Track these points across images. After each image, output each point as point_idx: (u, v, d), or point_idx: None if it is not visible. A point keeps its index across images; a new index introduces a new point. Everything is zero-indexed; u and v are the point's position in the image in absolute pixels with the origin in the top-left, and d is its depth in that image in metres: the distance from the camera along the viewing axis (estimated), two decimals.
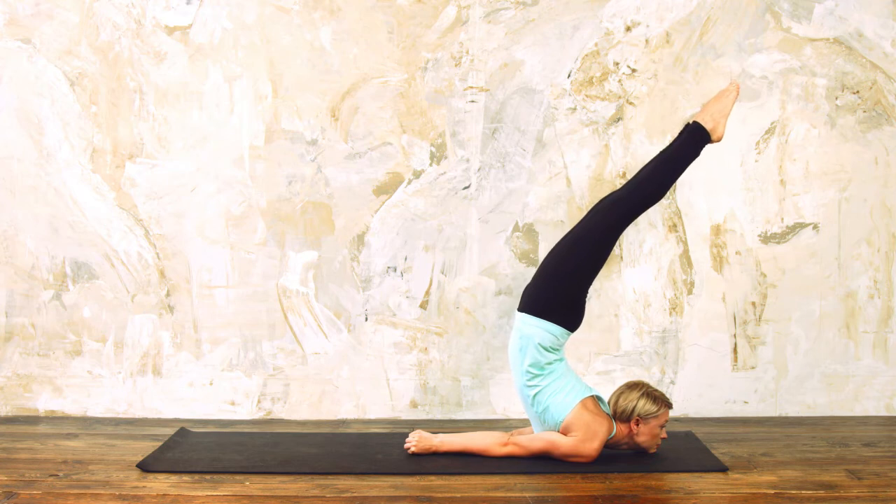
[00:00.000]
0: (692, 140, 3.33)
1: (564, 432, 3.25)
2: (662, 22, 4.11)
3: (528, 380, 3.29)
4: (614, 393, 3.35)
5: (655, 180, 3.32)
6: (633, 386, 3.33)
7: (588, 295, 3.43)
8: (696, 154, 3.35)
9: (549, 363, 3.29)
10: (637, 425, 3.28)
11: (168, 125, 4.09)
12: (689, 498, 2.90)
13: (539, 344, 3.27)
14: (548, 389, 3.27)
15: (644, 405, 3.27)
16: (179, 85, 4.09)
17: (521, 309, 3.37)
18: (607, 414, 3.31)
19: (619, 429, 3.31)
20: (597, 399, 3.33)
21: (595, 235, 3.31)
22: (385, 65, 4.10)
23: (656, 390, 3.32)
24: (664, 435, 3.34)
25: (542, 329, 3.28)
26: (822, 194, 4.14)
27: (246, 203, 4.11)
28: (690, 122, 3.37)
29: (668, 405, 3.31)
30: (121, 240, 4.09)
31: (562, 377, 3.30)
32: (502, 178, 4.12)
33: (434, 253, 4.12)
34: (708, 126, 3.34)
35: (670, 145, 3.39)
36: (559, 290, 3.31)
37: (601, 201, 3.38)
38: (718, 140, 3.37)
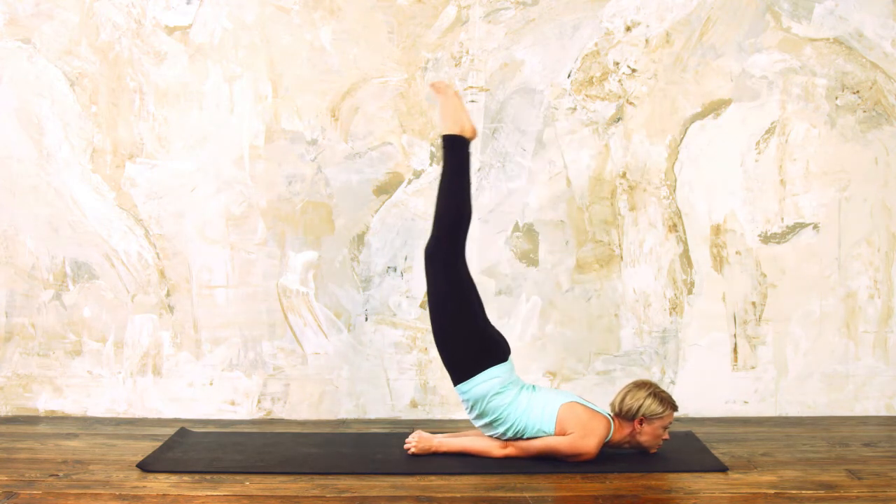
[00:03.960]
0: (454, 150, 3.33)
1: (560, 433, 3.24)
2: (662, 22, 4.11)
3: (502, 430, 3.28)
4: (621, 391, 3.35)
5: (454, 205, 3.33)
6: (640, 385, 3.33)
7: (488, 325, 3.37)
8: (466, 157, 3.34)
9: (510, 402, 3.27)
10: (641, 424, 3.28)
11: (168, 125, 4.09)
12: (689, 498, 2.90)
13: (490, 394, 3.26)
14: (522, 418, 3.26)
15: (650, 405, 3.26)
16: (179, 85, 4.09)
17: (455, 384, 3.33)
18: (602, 412, 3.31)
19: (621, 427, 3.31)
20: (579, 403, 3.32)
21: (443, 289, 3.30)
22: (385, 65, 4.10)
23: (664, 391, 3.32)
24: (666, 436, 3.34)
25: (480, 384, 3.26)
26: (822, 194, 4.14)
27: (246, 203, 4.11)
28: (440, 138, 3.34)
29: (674, 407, 3.31)
30: (121, 240, 4.09)
31: (531, 400, 3.29)
32: (502, 178, 4.12)
33: None
34: (456, 131, 3.36)
35: (443, 170, 3.39)
36: (460, 350, 3.29)
37: (425, 260, 3.35)
38: (473, 134, 3.39)
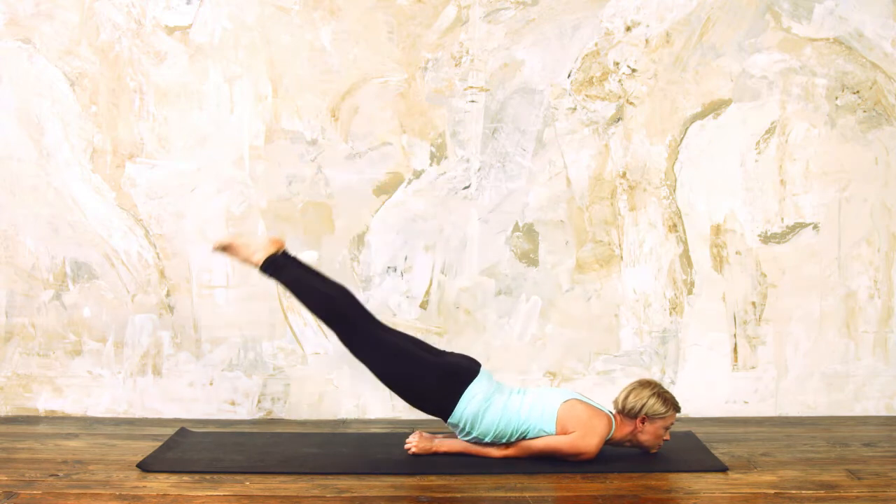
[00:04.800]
0: (275, 272, 3.27)
1: (561, 432, 3.24)
2: (662, 22, 4.11)
3: (506, 440, 3.28)
4: (625, 388, 3.35)
5: (317, 307, 3.31)
6: (645, 384, 3.33)
7: (440, 356, 3.36)
8: (289, 268, 3.28)
9: (503, 408, 3.25)
10: (643, 423, 3.28)
11: (168, 125, 4.09)
12: (689, 498, 2.90)
13: (480, 412, 3.24)
14: (522, 420, 3.25)
15: (653, 405, 3.26)
16: (179, 85, 4.08)
17: (446, 422, 3.33)
18: (603, 410, 3.31)
19: (622, 425, 3.30)
20: (580, 400, 3.32)
21: (378, 361, 3.27)
22: (385, 65, 4.10)
23: (667, 392, 3.31)
24: (667, 437, 3.34)
25: (465, 409, 3.24)
26: (822, 194, 4.14)
27: (246, 203, 4.11)
28: (260, 270, 3.29)
29: (677, 408, 3.31)
30: (121, 240, 4.09)
31: (524, 400, 3.29)
32: (502, 178, 4.12)
33: (434, 253, 4.12)
34: (262, 257, 3.28)
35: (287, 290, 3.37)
36: (430, 393, 3.26)
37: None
38: (277, 245, 3.31)
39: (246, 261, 3.30)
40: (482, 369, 3.35)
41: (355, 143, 4.11)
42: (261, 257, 3.27)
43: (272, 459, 3.31)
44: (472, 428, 3.27)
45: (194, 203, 4.09)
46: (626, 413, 3.30)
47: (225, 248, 3.35)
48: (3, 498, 2.83)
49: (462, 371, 3.31)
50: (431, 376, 3.27)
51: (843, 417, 4.10)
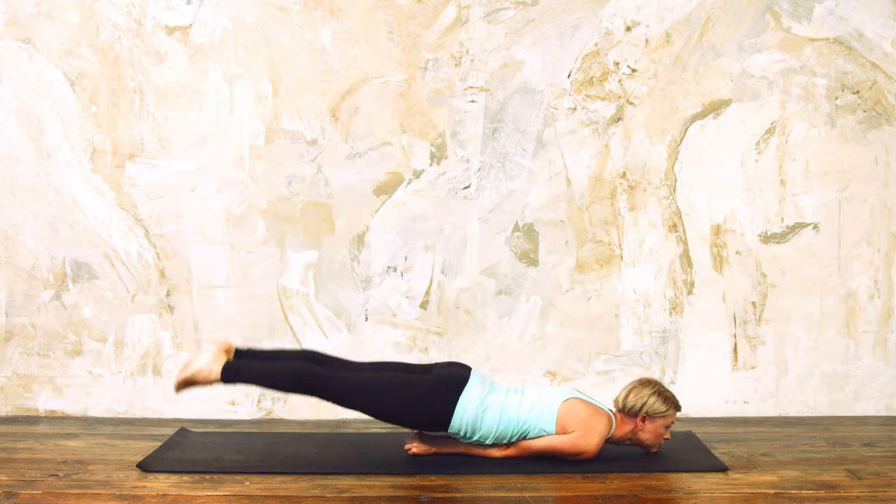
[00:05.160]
0: (236, 379, 3.24)
1: (561, 432, 3.24)
2: (662, 22, 4.11)
3: (507, 439, 3.28)
4: (625, 387, 3.35)
5: (284, 391, 3.34)
6: (645, 383, 3.33)
7: (426, 372, 3.35)
8: (248, 372, 3.24)
9: (500, 408, 3.25)
10: (643, 422, 3.28)
11: (168, 125, 4.09)
12: (689, 498, 2.90)
13: (478, 415, 3.23)
14: (521, 420, 3.25)
15: (654, 403, 3.26)
16: (179, 85, 4.08)
17: (447, 432, 3.33)
18: (603, 408, 3.31)
19: (623, 423, 3.30)
20: (579, 399, 3.32)
21: (368, 403, 3.25)
22: (385, 65, 4.10)
23: (668, 391, 3.32)
24: (668, 436, 3.34)
25: (462, 415, 3.23)
26: (822, 194, 4.14)
27: (246, 203, 4.11)
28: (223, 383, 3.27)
29: (678, 407, 3.31)
30: (121, 240, 4.09)
31: (523, 399, 3.28)
32: (502, 178, 4.12)
33: (434, 253, 4.12)
34: (217, 372, 3.22)
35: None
36: (426, 410, 3.25)
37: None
38: (227, 352, 3.28)
39: (207, 383, 3.24)
40: (473, 372, 3.34)
41: (355, 143, 4.11)
42: (217, 371, 3.21)
43: (272, 459, 3.31)
44: (472, 433, 3.26)
45: (194, 203, 4.09)
46: (626, 412, 3.30)
47: (184, 386, 3.28)
48: (3, 498, 2.83)
49: (451, 381, 3.28)
50: (423, 396, 3.25)
51: (843, 417, 4.10)
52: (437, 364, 3.43)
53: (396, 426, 3.37)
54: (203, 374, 3.21)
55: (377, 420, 3.34)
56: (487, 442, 3.28)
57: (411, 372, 3.35)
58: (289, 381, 3.24)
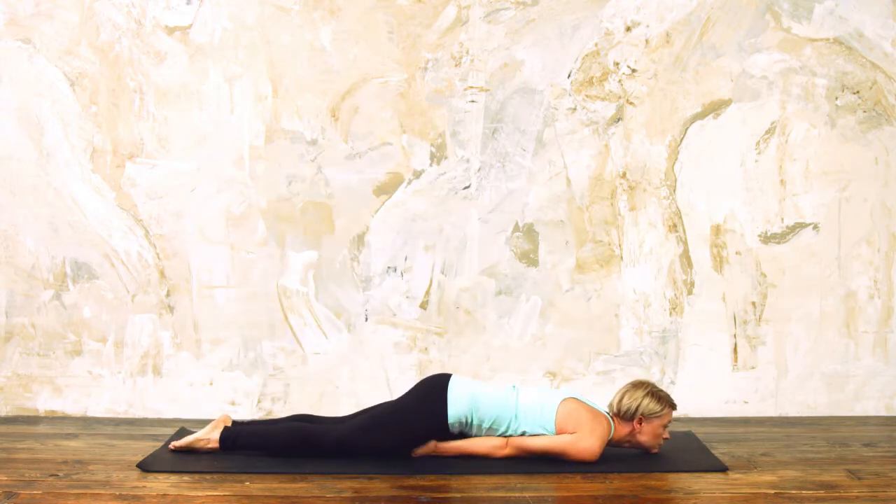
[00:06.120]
0: (234, 446, 3.33)
1: (560, 432, 3.24)
2: (662, 22, 4.11)
3: (502, 429, 3.30)
4: (619, 391, 3.35)
5: (283, 454, 3.33)
6: (638, 385, 3.33)
7: (405, 398, 3.38)
8: (245, 439, 3.34)
9: (494, 394, 3.29)
10: (640, 424, 3.28)
11: (168, 125, 4.09)
12: (689, 498, 2.90)
13: (469, 403, 3.26)
14: (520, 419, 3.28)
15: (648, 404, 3.26)
16: (179, 85, 4.08)
17: (448, 434, 3.35)
18: (602, 411, 3.31)
19: (620, 427, 3.31)
20: (579, 400, 3.32)
21: (366, 443, 3.29)
22: (385, 65, 4.10)
23: (661, 390, 3.32)
24: (667, 435, 3.34)
25: (455, 411, 3.26)
26: (822, 194, 4.14)
27: (246, 203, 4.11)
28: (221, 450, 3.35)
29: (672, 406, 3.31)
30: (121, 240, 4.09)
31: (522, 397, 3.31)
32: (502, 178, 4.12)
33: (434, 253, 4.12)
34: (215, 441, 3.34)
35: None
36: (425, 427, 3.29)
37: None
38: (224, 423, 3.42)
39: (206, 449, 3.36)
40: (452, 376, 3.38)
41: (355, 143, 4.11)
42: (216, 438, 3.36)
43: (272, 459, 3.31)
44: (471, 420, 3.28)
45: (194, 203, 4.09)
46: (622, 415, 3.30)
47: (182, 451, 3.39)
48: (3, 498, 2.83)
49: (434, 382, 3.35)
50: (412, 406, 3.31)
51: (843, 417, 4.10)
52: (417, 384, 3.47)
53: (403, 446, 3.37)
54: (202, 442, 3.37)
55: (392, 454, 3.32)
56: (485, 425, 3.29)
57: (395, 400, 3.45)
58: (286, 439, 3.34)
